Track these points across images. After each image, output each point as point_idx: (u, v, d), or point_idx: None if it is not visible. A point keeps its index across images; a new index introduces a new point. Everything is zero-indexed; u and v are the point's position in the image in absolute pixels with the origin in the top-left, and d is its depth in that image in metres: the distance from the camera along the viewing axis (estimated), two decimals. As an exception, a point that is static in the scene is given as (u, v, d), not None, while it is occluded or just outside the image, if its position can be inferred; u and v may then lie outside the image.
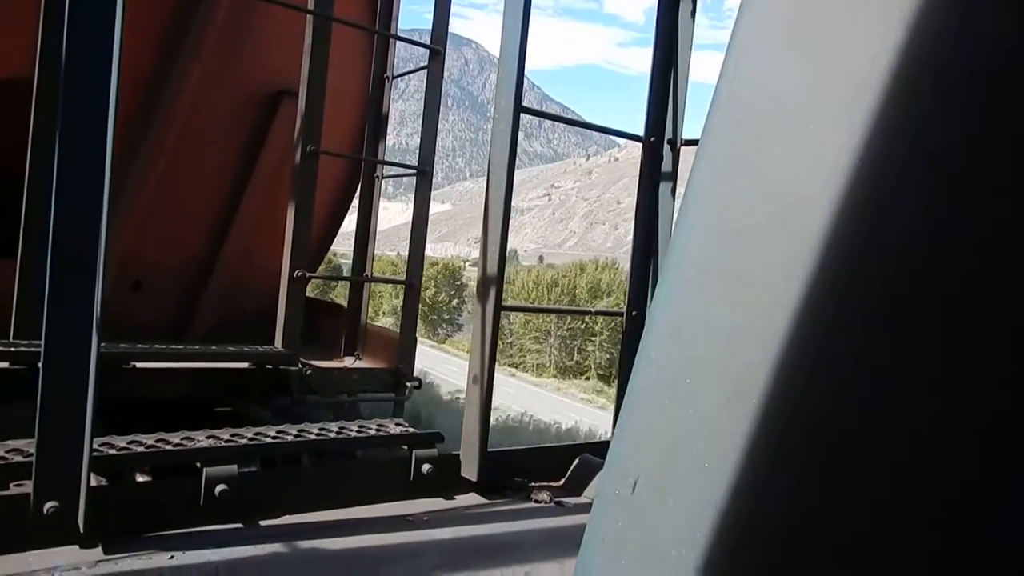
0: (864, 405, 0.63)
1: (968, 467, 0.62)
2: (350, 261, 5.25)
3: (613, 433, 0.90)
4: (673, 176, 3.62)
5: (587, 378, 62.60)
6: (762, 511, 0.66)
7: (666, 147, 3.62)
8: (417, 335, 5.13)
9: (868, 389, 0.63)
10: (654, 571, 0.72)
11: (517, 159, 3.12)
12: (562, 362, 66.68)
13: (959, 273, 0.62)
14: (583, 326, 64.38)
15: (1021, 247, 0.60)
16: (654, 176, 3.64)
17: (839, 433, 0.64)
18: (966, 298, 0.61)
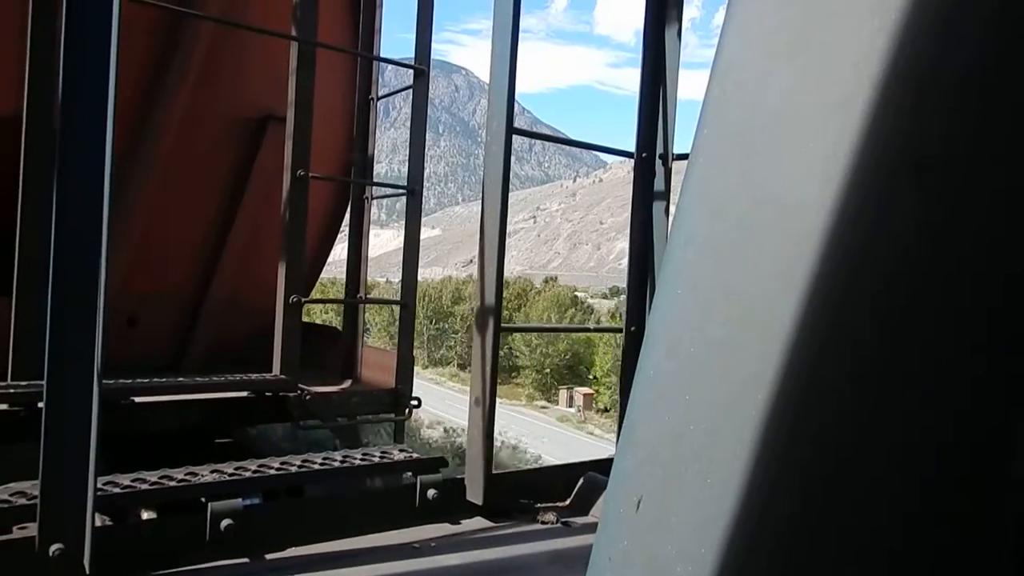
0: (864, 414, 0.63)
1: (970, 466, 0.62)
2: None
3: (616, 451, 0.90)
4: (666, 190, 3.63)
5: (450, 365, 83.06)
6: (766, 525, 0.66)
7: (658, 162, 3.64)
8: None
9: (867, 398, 0.63)
10: (661, 589, 0.71)
11: (506, 182, 3.15)
12: (432, 355, 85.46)
13: (952, 279, 0.62)
14: (447, 326, 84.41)
15: (1011, 252, 0.61)
16: (647, 191, 3.66)
17: (840, 444, 0.64)
18: (960, 303, 0.62)
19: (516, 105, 3.17)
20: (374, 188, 5.38)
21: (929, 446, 0.62)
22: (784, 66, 0.74)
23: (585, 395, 67.15)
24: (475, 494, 3.05)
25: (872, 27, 0.65)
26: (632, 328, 3.62)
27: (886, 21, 0.64)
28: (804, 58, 0.73)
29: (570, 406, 67.88)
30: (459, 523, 2.99)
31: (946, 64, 0.63)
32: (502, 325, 3.12)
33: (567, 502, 3.31)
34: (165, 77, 4.81)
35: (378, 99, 5.37)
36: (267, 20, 4.55)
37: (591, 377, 69.59)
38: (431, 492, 2.97)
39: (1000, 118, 0.62)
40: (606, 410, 63.59)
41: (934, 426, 0.61)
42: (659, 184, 3.65)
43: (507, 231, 3.11)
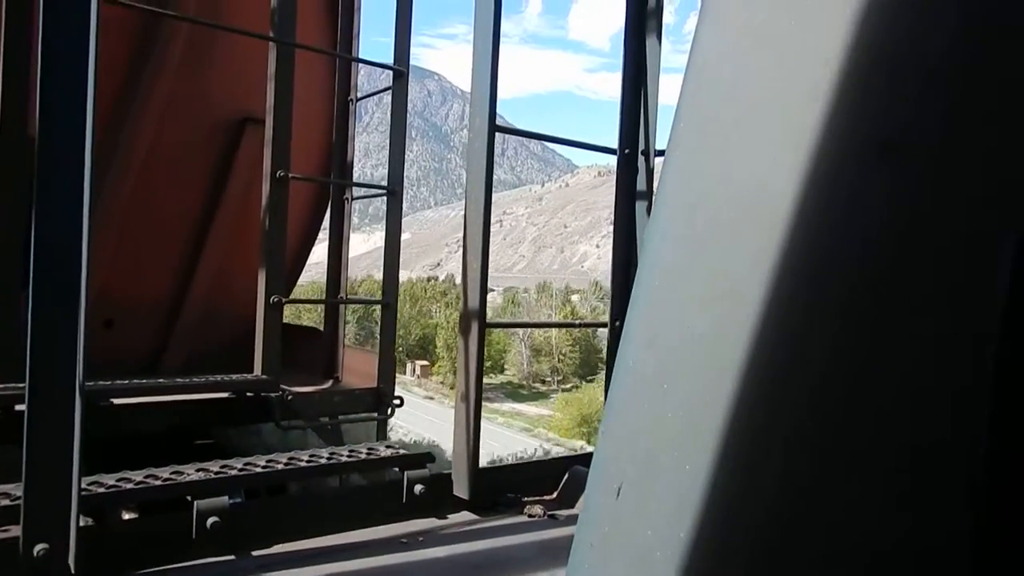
0: (837, 401, 0.65)
1: (943, 460, 0.63)
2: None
3: (597, 440, 0.91)
4: (648, 187, 3.66)
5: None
6: (741, 510, 0.67)
7: (640, 158, 3.67)
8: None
9: (840, 384, 0.65)
10: (640, 573, 0.73)
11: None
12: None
13: (923, 264, 0.63)
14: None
15: (983, 236, 0.62)
16: (629, 187, 3.69)
17: (813, 430, 0.65)
18: (932, 288, 0.63)
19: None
20: (354, 189, 5.37)
21: (908, 428, 0.63)
22: (756, 59, 0.76)
23: (422, 366, 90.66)
24: (462, 489, 3.07)
25: (840, 17, 0.67)
26: (616, 323, 3.64)
27: (856, 9, 0.66)
28: (774, 50, 0.74)
29: (413, 375, 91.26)
30: (446, 518, 3.00)
31: (916, 50, 0.64)
32: (487, 322, 3.13)
33: (554, 495, 3.33)
34: (140, 79, 4.77)
35: (357, 100, 5.37)
36: (244, 21, 4.53)
37: (436, 354, 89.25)
38: (418, 487, 2.98)
39: (970, 102, 0.63)
40: (442, 382, 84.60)
41: (912, 407, 0.63)
42: (642, 179, 3.68)
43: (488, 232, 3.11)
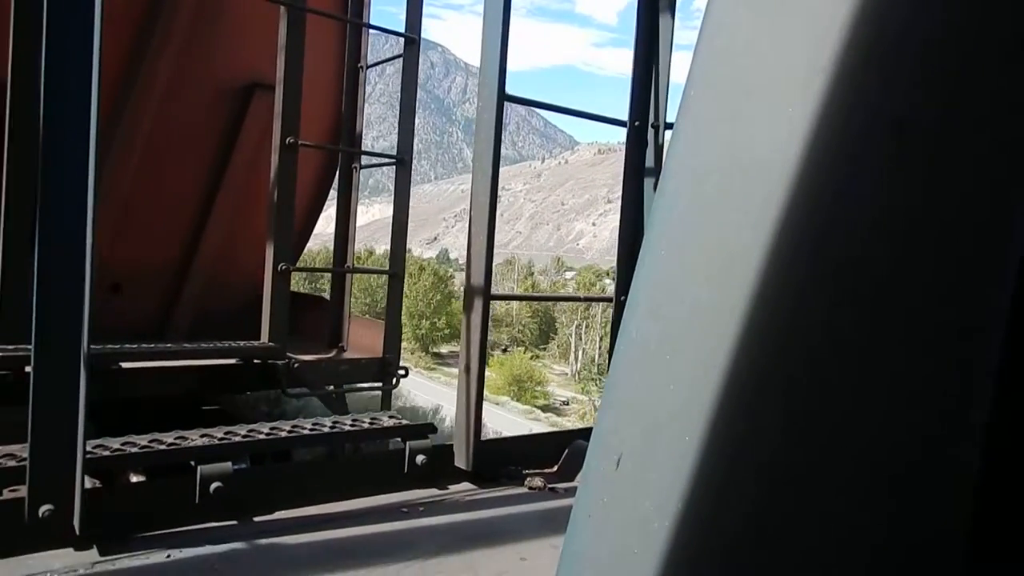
0: (834, 371, 0.64)
1: (939, 452, 0.63)
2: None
3: (598, 410, 0.91)
4: (657, 159, 3.63)
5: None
6: (737, 479, 0.67)
7: (650, 131, 3.64)
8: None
9: (837, 354, 0.64)
10: (637, 542, 0.73)
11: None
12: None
13: (926, 237, 0.63)
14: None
15: (985, 212, 0.61)
16: (638, 161, 3.66)
17: (810, 400, 0.65)
18: (933, 261, 0.63)
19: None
20: (362, 158, 5.35)
21: (906, 400, 0.63)
22: (769, 27, 0.75)
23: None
24: (463, 460, 3.09)
25: None
26: (622, 298, 3.63)
27: None
28: (788, 19, 0.73)
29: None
30: (447, 488, 3.02)
31: (922, 23, 0.63)
32: (492, 293, 3.13)
33: (554, 468, 3.34)
34: (148, 43, 4.73)
35: (368, 67, 5.33)
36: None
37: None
38: (420, 458, 3.00)
39: (973, 76, 0.62)
40: (405, 346, 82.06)
41: (910, 379, 0.63)
42: (651, 152, 3.66)
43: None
